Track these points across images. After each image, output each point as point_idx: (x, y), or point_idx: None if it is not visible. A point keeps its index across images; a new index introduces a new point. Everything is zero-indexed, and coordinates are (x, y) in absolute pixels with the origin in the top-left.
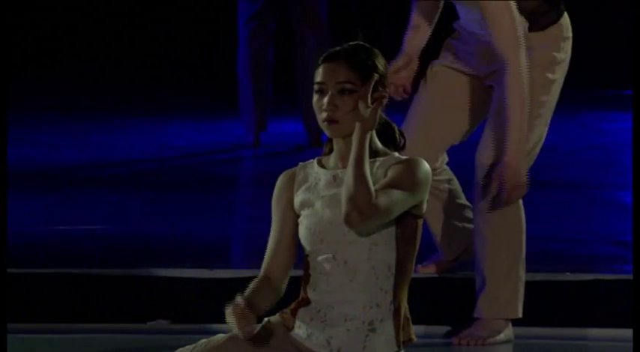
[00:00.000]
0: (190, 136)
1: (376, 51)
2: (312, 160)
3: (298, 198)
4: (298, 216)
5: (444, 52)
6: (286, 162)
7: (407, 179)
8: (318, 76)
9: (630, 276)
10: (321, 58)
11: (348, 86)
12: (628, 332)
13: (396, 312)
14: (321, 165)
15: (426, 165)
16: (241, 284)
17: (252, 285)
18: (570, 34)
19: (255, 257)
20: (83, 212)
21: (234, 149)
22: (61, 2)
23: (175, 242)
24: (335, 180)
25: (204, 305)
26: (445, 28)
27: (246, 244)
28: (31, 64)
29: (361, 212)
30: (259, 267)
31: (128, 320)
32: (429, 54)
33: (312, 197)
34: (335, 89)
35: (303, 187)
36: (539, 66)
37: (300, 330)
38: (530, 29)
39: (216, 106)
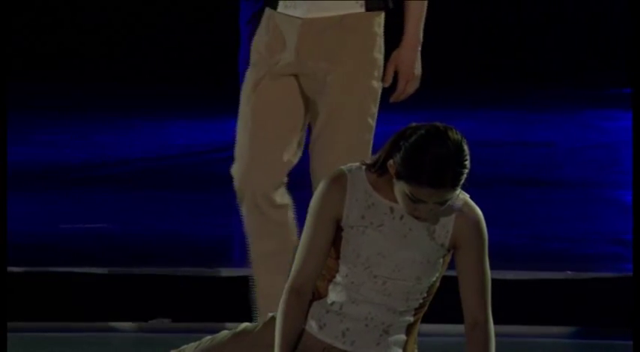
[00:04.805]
0: (191, 135)
1: (468, 155)
2: (359, 171)
3: (351, 214)
4: (341, 229)
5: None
6: None
7: (484, 252)
8: (417, 193)
9: (630, 275)
10: (424, 180)
11: (447, 200)
12: (628, 331)
13: (413, 325)
14: (373, 185)
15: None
16: (241, 282)
17: (284, 317)
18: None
19: None
20: (84, 211)
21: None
22: (62, 2)
23: (176, 240)
24: (392, 212)
25: (204, 304)
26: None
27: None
28: (31, 64)
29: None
30: None
31: (129, 318)
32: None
33: (365, 221)
34: (434, 204)
35: (356, 204)
36: (361, 72)
37: (311, 322)
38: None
39: (217, 105)
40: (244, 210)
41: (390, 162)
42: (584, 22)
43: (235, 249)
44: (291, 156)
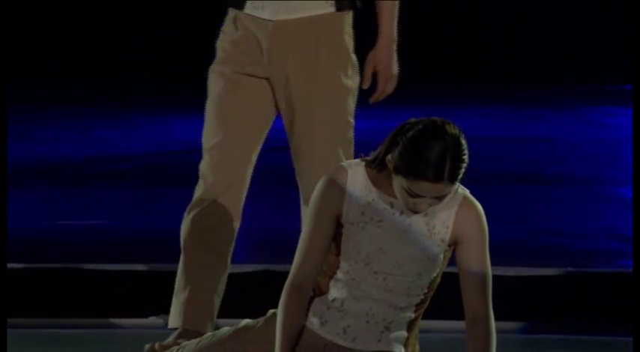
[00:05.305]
0: (192, 131)
1: (466, 149)
2: (359, 168)
3: (351, 210)
4: (341, 225)
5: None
6: (286, 160)
7: (485, 246)
8: (415, 188)
9: (630, 271)
10: (421, 174)
11: (445, 195)
12: (628, 327)
13: (414, 321)
14: (373, 181)
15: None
16: (242, 279)
17: (285, 314)
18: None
19: (255, 252)
20: (84, 207)
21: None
22: (62, 2)
23: (176, 237)
24: (392, 208)
25: None
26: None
27: (247, 239)
28: (31, 64)
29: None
30: (260, 262)
31: (130, 315)
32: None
33: (365, 217)
34: (432, 198)
35: (356, 200)
36: (336, 72)
37: (313, 319)
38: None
39: None
40: (205, 208)
41: (389, 157)
42: (584, 19)
43: (236, 245)
44: (255, 159)
